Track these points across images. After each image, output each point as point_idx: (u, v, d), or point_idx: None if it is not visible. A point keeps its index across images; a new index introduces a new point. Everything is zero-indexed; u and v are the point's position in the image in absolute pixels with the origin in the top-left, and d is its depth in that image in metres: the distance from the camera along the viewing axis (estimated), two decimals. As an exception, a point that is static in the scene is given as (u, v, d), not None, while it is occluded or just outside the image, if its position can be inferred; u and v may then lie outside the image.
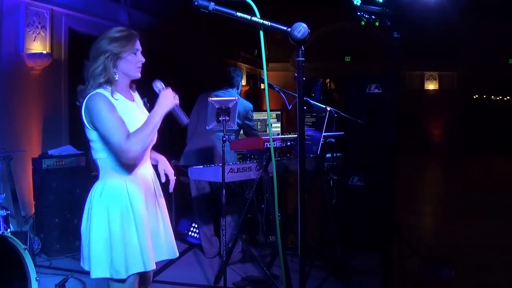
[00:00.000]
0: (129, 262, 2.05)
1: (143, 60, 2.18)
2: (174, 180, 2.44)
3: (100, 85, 2.07)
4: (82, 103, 2.07)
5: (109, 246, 2.04)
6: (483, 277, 3.94)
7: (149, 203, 2.19)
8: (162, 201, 2.33)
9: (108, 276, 2.05)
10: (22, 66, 4.80)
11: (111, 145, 2.03)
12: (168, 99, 2.12)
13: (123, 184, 2.10)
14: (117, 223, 2.05)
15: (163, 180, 2.39)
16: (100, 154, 2.11)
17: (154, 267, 2.13)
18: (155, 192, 2.27)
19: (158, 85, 2.17)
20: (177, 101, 2.15)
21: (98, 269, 2.04)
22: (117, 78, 2.11)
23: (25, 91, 4.90)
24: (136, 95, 2.30)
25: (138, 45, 2.16)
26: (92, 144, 2.12)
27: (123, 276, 2.05)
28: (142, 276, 2.22)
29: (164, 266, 4.05)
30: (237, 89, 4.42)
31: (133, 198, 2.10)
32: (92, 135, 2.08)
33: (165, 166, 2.41)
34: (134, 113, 2.16)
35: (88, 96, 2.05)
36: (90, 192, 2.13)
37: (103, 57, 2.07)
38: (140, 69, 2.18)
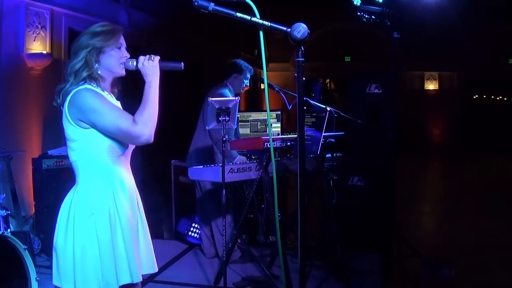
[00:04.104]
0: (119, 272, 1.91)
1: (128, 55, 2.05)
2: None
3: (83, 81, 1.95)
4: (64, 100, 1.94)
5: (98, 258, 1.89)
6: (483, 277, 3.94)
7: (132, 210, 2.05)
8: (143, 212, 2.15)
9: None
10: (22, 66, 4.80)
11: (120, 135, 1.93)
12: (149, 64, 1.99)
13: (109, 185, 1.96)
14: (105, 230, 1.91)
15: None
16: (81, 155, 1.96)
17: (141, 278, 1.98)
18: (137, 202, 2.11)
19: (129, 63, 2.02)
20: (158, 58, 2.01)
21: (86, 284, 1.87)
22: (100, 72, 1.99)
23: (25, 91, 4.90)
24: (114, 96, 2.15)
25: (122, 40, 2.05)
26: (72, 144, 1.96)
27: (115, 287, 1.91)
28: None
29: (164, 266, 4.06)
30: (244, 78, 4.30)
31: (119, 202, 1.97)
32: (76, 133, 1.93)
33: None
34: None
35: (73, 92, 1.92)
36: (67, 200, 1.98)
37: (85, 51, 1.95)
38: (124, 66, 2.04)
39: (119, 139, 1.97)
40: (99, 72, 1.99)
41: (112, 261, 1.91)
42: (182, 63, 2.03)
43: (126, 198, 2.02)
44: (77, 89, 1.93)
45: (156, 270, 2.16)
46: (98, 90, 1.98)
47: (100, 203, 1.94)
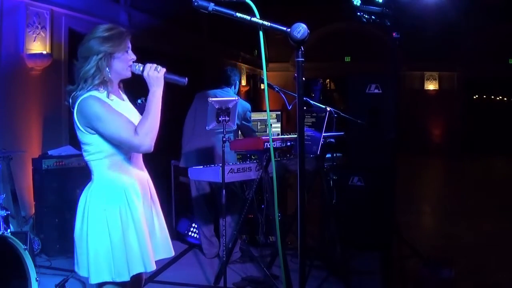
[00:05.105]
0: (130, 263, 2.03)
1: (134, 57, 2.12)
2: None
3: (94, 87, 2.02)
4: (74, 106, 2.02)
5: (109, 249, 2.01)
6: (483, 277, 3.94)
7: (144, 203, 2.17)
8: (157, 201, 2.29)
9: (109, 280, 2.01)
10: (22, 67, 4.80)
11: (121, 144, 2.02)
12: (154, 74, 2.04)
13: (120, 184, 2.07)
14: (116, 224, 2.02)
15: None
16: (94, 156, 2.06)
17: (154, 267, 2.11)
18: (150, 192, 2.24)
19: (136, 66, 2.08)
20: (164, 70, 2.07)
21: (99, 274, 2.00)
22: (110, 77, 2.06)
23: (25, 91, 4.90)
24: (124, 95, 2.25)
25: (129, 43, 2.12)
26: (85, 147, 2.07)
27: (126, 278, 2.03)
28: (135, 278, 2.14)
29: (164, 266, 4.05)
30: (235, 88, 4.44)
31: (131, 199, 2.08)
32: (86, 138, 2.03)
33: None
34: (129, 113, 2.12)
35: (80, 99, 2.00)
36: (84, 194, 2.09)
37: (96, 57, 2.01)
38: (130, 68, 2.12)
39: (122, 146, 2.05)
40: (109, 76, 2.07)
41: (124, 253, 2.02)
42: (186, 79, 2.09)
43: (137, 193, 2.12)
44: (84, 96, 2.00)
45: (173, 253, 2.31)
46: (104, 96, 2.04)
47: (111, 199, 2.05)
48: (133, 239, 2.04)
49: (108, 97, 2.05)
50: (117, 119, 2.00)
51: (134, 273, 2.04)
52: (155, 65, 2.07)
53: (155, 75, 2.05)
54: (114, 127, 1.98)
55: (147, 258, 2.07)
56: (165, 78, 2.07)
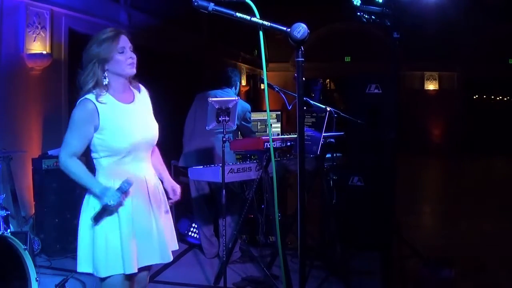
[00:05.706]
0: (109, 263, 2.07)
1: (134, 56, 2.15)
2: (178, 197, 2.44)
3: (89, 90, 2.10)
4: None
5: (91, 245, 2.09)
6: (483, 277, 3.94)
7: (140, 204, 2.17)
8: (160, 203, 2.28)
9: (91, 272, 2.11)
10: (22, 66, 4.80)
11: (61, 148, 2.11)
12: (113, 198, 2.03)
13: (111, 184, 2.10)
14: (101, 224, 2.08)
15: (174, 197, 2.43)
16: (94, 154, 2.17)
17: (135, 270, 2.11)
18: (149, 194, 2.22)
19: (124, 186, 2.07)
20: (112, 208, 2.06)
21: (82, 264, 2.12)
22: (106, 82, 2.12)
23: (25, 91, 4.90)
24: (141, 93, 2.28)
25: (124, 43, 2.14)
26: (89, 146, 2.19)
27: (102, 275, 2.08)
28: (135, 277, 2.21)
29: (164, 266, 4.05)
30: (235, 89, 4.45)
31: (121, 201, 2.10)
32: None
33: (171, 183, 2.45)
34: (126, 116, 2.14)
35: (77, 103, 2.11)
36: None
37: (91, 63, 2.09)
38: (134, 65, 2.16)
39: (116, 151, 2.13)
40: (106, 80, 2.12)
41: (104, 253, 2.08)
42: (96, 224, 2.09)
43: (128, 197, 2.12)
44: (80, 100, 2.11)
45: (171, 259, 2.29)
46: (94, 98, 2.09)
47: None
48: (116, 242, 2.08)
49: (97, 98, 2.09)
50: (74, 135, 2.10)
51: (111, 274, 2.08)
52: (121, 199, 2.07)
53: (109, 199, 2.03)
54: (67, 137, 2.11)
55: (128, 261, 2.08)
56: (106, 207, 2.06)
